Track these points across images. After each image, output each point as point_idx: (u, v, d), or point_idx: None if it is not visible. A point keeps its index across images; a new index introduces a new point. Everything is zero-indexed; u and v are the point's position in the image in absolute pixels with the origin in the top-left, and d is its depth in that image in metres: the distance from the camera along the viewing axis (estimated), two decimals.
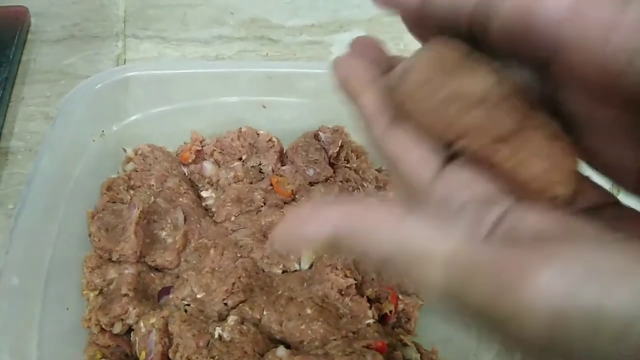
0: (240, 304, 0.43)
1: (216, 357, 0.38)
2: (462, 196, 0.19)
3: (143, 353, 0.39)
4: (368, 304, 0.43)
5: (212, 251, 0.45)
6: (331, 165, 0.53)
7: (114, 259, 0.44)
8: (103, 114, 0.50)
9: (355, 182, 0.52)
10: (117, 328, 0.41)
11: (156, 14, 0.71)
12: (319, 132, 0.54)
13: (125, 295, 0.42)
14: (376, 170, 0.53)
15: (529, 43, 0.17)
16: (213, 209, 0.51)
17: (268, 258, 0.46)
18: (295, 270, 0.46)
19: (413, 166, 0.20)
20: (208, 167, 0.53)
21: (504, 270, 0.16)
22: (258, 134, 0.54)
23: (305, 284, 0.44)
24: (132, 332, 0.41)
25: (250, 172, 0.52)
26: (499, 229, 0.18)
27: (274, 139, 0.53)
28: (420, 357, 0.42)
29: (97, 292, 0.43)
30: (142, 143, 0.52)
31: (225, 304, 0.43)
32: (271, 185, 0.51)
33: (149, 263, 0.46)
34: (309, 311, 0.42)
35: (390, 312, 0.45)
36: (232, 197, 0.50)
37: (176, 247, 0.46)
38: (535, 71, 0.19)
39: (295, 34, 0.70)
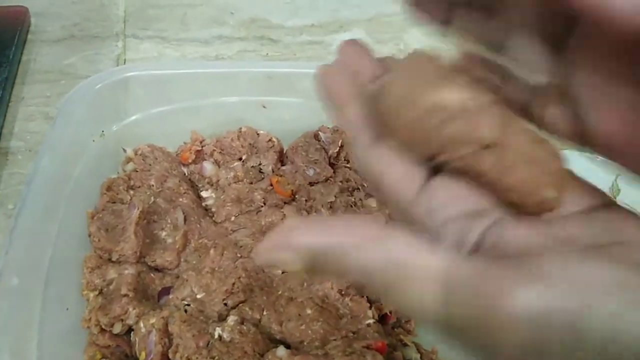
0: (240, 304, 0.43)
1: (216, 358, 0.38)
2: (446, 211, 0.19)
3: (143, 353, 0.39)
4: (368, 304, 0.43)
5: (212, 251, 0.45)
6: (331, 165, 0.53)
7: (113, 259, 0.44)
8: (103, 114, 0.50)
9: (355, 182, 0.51)
10: (117, 328, 0.41)
11: (156, 14, 0.71)
12: (319, 132, 0.54)
13: (125, 295, 0.42)
14: None
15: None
16: (213, 209, 0.51)
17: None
18: None
19: (397, 182, 0.20)
20: (208, 167, 0.53)
21: (485, 288, 0.15)
22: (258, 134, 0.54)
23: (305, 284, 0.44)
24: (132, 333, 0.41)
25: (250, 172, 0.52)
26: (483, 244, 0.17)
27: (274, 139, 0.53)
28: (421, 357, 0.42)
29: (97, 293, 0.43)
30: (142, 143, 0.52)
31: (225, 304, 0.43)
32: (271, 185, 0.51)
33: (148, 263, 0.46)
34: (309, 311, 0.42)
35: (391, 312, 0.45)
36: (232, 197, 0.50)
37: (176, 248, 0.46)
38: (547, 47, 0.18)
39: (295, 34, 0.70)
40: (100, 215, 0.46)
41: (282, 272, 0.46)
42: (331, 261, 0.18)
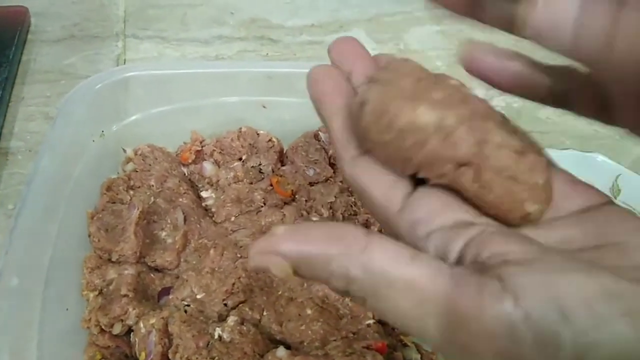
0: (240, 305, 0.43)
1: (216, 358, 0.38)
2: (429, 224, 0.19)
3: (143, 354, 0.39)
4: None
5: (212, 251, 0.45)
6: (331, 165, 0.53)
7: (113, 259, 0.44)
8: (103, 114, 0.50)
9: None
10: (117, 329, 0.41)
11: (156, 14, 0.71)
12: (319, 132, 0.54)
13: (125, 295, 0.42)
14: None
15: None
16: (213, 209, 0.50)
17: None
18: None
19: (381, 195, 0.20)
20: (208, 167, 0.53)
21: (461, 300, 0.16)
22: (258, 134, 0.54)
23: (305, 285, 0.44)
24: (131, 333, 0.41)
25: (250, 172, 0.52)
26: (465, 256, 0.17)
27: (274, 139, 0.53)
28: (421, 358, 0.42)
29: (96, 293, 0.43)
30: (142, 143, 0.52)
31: (225, 305, 0.43)
32: (271, 185, 0.51)
33: (148, 263, 0.46)
34: (309, 312, 0.42)
35: None
36: (232, 198, 0.50)
37: (176, 248, 0.46)
38: None
39: (295, 34, 0.70)
40: (100, 216, 0.46)
41: None
42: (315, 268, 0.18)
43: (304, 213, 0.49)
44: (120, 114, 0.51)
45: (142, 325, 0.40)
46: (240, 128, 0.54)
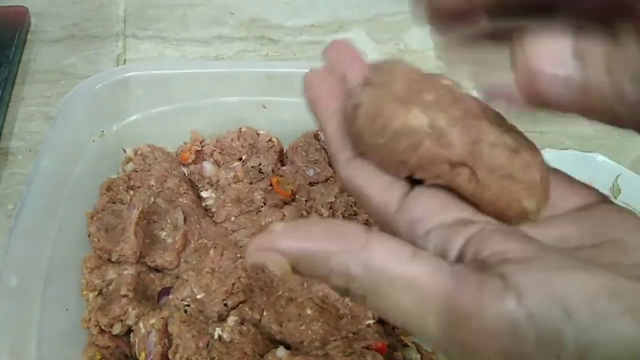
0: (240, 305, 0.43)
1: (216, 358, 0.38)
2: (428, 222, 0.19)
3: (142, 354, 0.39)
4: None
5: (212, 251, 0.45)
6: (331, 165, 0.53)
7: (113, 259, 0.44)
8: (103, 114, 0.50)
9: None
10: (117, 329, 0.41)
11: (156, 14, 0.71)
12: (319, 132, 0.54)
13: (125, 295, 0.42)
14: None
15: None
16: (213, 209, 0.50)
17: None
18: None
19: (378, 196, 0.20)
20: (208, 167, 0.52)
21: (462, 299, 0.16)
22: (258, 134, 0.54)
23: (305, 284, 0.44)
24: (131, 333, 0.41)
25: (250, 172, 0.52)
26: (465, 254, 0.17)
27: (274, 139, 0.53)
28: (421, 358, 0.42)
29: (96, 293, 0.43)
30: (142, 143, 0.52)
31: (225, 305, 0.43)
32: (271, 185, 0.51)
33: (148, 263, 0.46)
34: (309, 312, 0.42)
35: None
36: (232, 198, 0.50)
37: (176, 248, 0.46)
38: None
39: (295, 34, 0.70)
40: (100, 216, 0.46)
41: None
42: (314, 266, 0.18)
43: (304, 213, 0.49)
44: (120, 114, 0.51)
45: (141, 325, 0.40)
46: (240, 128, 0.54)
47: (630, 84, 0.15)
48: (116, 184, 0.49)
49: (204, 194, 0.52)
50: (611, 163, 0.52)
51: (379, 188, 0.20)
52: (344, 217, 0.49)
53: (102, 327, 0.41)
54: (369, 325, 0.42)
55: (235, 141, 0.53)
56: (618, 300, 0.14)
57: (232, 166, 0.52)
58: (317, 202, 0.50)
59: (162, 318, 0.40)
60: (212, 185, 0.52)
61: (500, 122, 0.20)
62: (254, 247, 0.18)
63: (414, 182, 0.20)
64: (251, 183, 0.52)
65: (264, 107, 0.54)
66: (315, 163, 0.52)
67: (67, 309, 0.41)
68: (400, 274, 0.17)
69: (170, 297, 0.43)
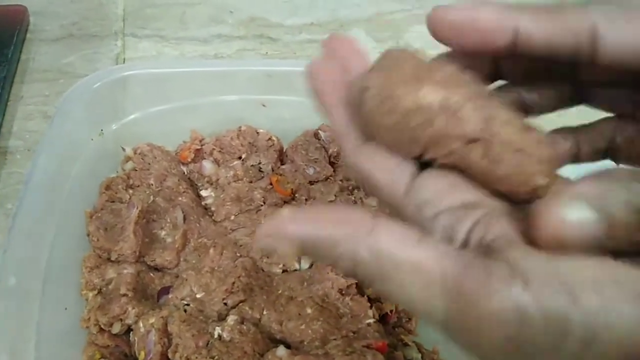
0: (240, 304, 0.42)
1: (216, 357, 0.38)
2: (436, 205, 0.19)
3: (142, 353, 0.39)
4: (368, 304, 0.43)
5: (211, 251, 0.45)
6: (331, 164, 0.53)
7: (112, 258, 0.44)
8: (102, 112, 0.50)
9: (356, 181, 0.51)
10: (116, 328, 0.41)
11: (155, 12, 0.71)
12: (319, 131, 0.54)
13: (124, 295, 0.42)
14: None
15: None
16: (212, 208, 0.50)
17: (268, 257, 0.46)
18: (295, 270, 0.46)
19: (386, 179, 0.20)
20: (207, 166, 0.52)
21: (467, 284, 0.16)
22: (258, 133, 0.53)
23: (305, 284, 0.44)
24: (131, 332, 0.41)
25: (250, 171, 0.52)
26: (471, 238, 0.18)
27: (273, 138, 0.53)
28: (421, 357, 0.42)
29: (96, 292, 0.43)
30: (141, 142, 0.52)
31: (225, 304, 0.43)
32: (271, 184, 0.51)
33: (148, 263, 0.45)
34: (309, 311, 0.42)
35: (391, 311, 0.44)
36: (231, 196, 0.50)
37: (175, 247, 0.46)
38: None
39: (295, 33, 0.70)
40: (99, 215, 0.46)
41: (282, 272, 0.46)
42: (322, 251, 0.18)
43: None
44: (119, 113, 0.51)
45: (141, 324, 0.40)
46: (240, 127, 0.53)
47: None
48: (115, 183, 0.49)
49: (203, 193, 0.52)
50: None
51: (387, 172, 0.20)
52: None
53: (102, 327, 0.41)
54: (369, 325, 0.42)
55: (235, 140, 0.53)
56: (626, 286, 0.15)
57: (231, 165, 0.52)
58: (317, 201, 0.50)
59: (162, 317, 0.40)
60: (211, 184, 0.52)
61: (508, 105, 0.20)
62: (262, 233, 0.19)
63: (422, 166, 0.20)
64: (251, 182, 0.51)
65: (264, 105, 0.54)
66: (315, 162, 0.52)
67: (66, 309, 0.41)
68: (407, 258, 0.17)
69: (170, 296, 0.43)
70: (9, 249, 0.38)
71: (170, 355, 0.38)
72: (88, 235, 0.45)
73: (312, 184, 0.51)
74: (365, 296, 0.44)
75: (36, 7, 0.68)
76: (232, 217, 0.49)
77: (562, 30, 0.19)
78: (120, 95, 0.51)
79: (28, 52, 0.64)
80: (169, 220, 0.47)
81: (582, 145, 0.22)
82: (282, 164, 0.53)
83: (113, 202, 0.48)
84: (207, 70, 0.53)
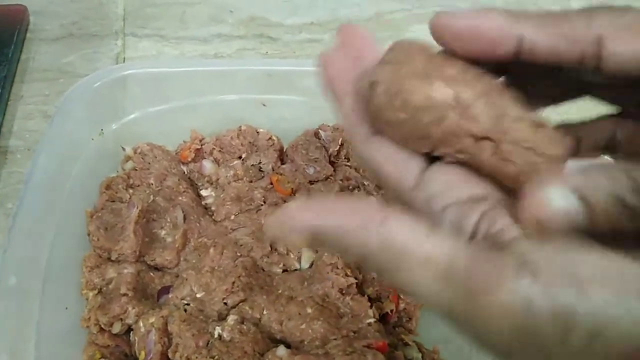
0: (240, 304, 0.42)
1: (216, 357, 0.38)
2: (445, 198, 0.19)
3: (142, 353, 0.39)
4: (369, 303, 0.43)
5: (211, 250, 0.45)
6: (331, 163, 0.53)
7: (113, 258, 0.44)
8: (102, 112, 0.50)
9: (356, 181, 0.51)
10: (117, 328, 0.41)
11: (155, 12, 0.71)
12: (319, 131, 0.53)
13: (125, 294, 0.42)
14: None
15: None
16: (213, 208, 0.50)
17: (268, 257, 0.46)
18: (296, 270, 0.46)
19: (395, 172, 0.20)
20: (207, 165, 0.52)
21: (476, 276, 0.16)
22: (258, 133, 0.53)
23: (305, 283, 0.44)
24: (131, 332, 0.41)
25: (250, 171, 0.52)
26: (479, 230, 0.18)
27: (273, 138, 0.53)
28: (422, 357, 0.42)
29: (96, 292, 0.43)
30: (141, 141, 0.52)
31: (225, 304, 0.43)
32: (271, 183, 0.51)
33: (148, 262, 0.45)
34: (309, 310, 0.42)
35: (391, 311, 0.44)
36: (231, 196, 0.50)
37: (175, 246, 0.46)
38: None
39: (295, 32, 0.70)
40: (100, 214, 0.46)
41: (282, 271, 0.46)
42: (332, 241, 0.18)
43: None
44: (119, 113, 0.51)
45: (141, 324, 0.40)
46: (240, 126, 0.53)
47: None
48: (115, 182, 0.49)
49: (203, 193, 0.52)
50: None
51: (397, 165, 0.20)
52: None
53: (102, 326, 0.41)
54: (369, 324, 0.42)
55: (235, 139, 0.53)
56: (633, 281, 0.15)
57: (231, 164, 0.52)
58: None
59: (162, 317, 0.40)
60: (211, 183, 0.52)
61: (518, 99, 0.20)
62: (272, 222, 0.19)
63: (432, 159, 0.20)
64: (251, 181, 0.51)
65: (264, 105, 0.54)
66: (316, 161, 0.52)
67: (66, 308, 0.41)
68: (417, 250, 0.17)
69: (170, 296, 0.43)
70: (9, 248, 0.38)
71: (170, 355, 0.38)
72: (88, 234, 0.45)
73: (313, 184, 0.51)
74: (366, 296, 0.44)
75: (36, 6, 0.68)
76: (232, 217, 0.49)
77: (567, 39, 0.19)
78: (121, 94, 0.51)
79: (28, 51, 0.64)
80: (169, 220, 0.47)
81: (582, 141, 0.22)
82: (282, 164, 0.53)
83: (113, 201, 0.48)
84: (207, 70, 0.53)
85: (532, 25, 0.19)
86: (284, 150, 0.54)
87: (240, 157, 0.53)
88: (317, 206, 0.19)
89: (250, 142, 0.53)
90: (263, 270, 0.46)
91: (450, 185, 0.19)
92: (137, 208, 0.45)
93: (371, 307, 0.43)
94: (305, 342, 0.41)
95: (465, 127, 0.19)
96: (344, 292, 0.43)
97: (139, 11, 0.71)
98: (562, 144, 0.19)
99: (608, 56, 0.18)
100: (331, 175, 0.52)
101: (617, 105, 0.21)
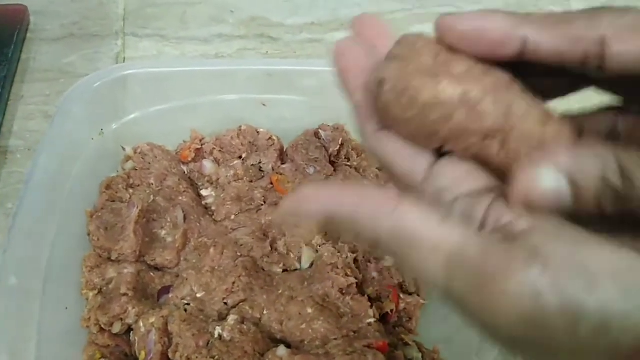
0: (241, 303, 0.42)
1: (216, 357, 0.38)
2: (454, 190, 0.19)
3: (142, 353, 0.39)
4: (369, 303, 0.43)
5: (212, 250, 0.45)
6: (332, 163, 0.53)
7: (113, 258, 0.44)
8: (102, 112, 0.50)
9: (356, 181, 0.51)
10: (117, 328, 0.41)
11: (155, 12, 0.71)
12: (320, 130, 0.53)
13: (125, 294, 0.42)
14: (377, 168, 0.53)
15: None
16: (213, 208, 0.50)
17: (268, 257, 0.46)
18: (296, 269, 0.46)
19: (405, 165, 0.21)
20: (208, 165, 0.52)
21: (485, 265, 0.16)
22: (258, 132, 0.53)
23: (305, 283, 0.44)
24: (131, 332, 0.41)
25: (250, 171, 0.52)
26: (488, 222, 0.18)
27: (274, 137, 0.53)
28: (422, 357, 0.42)
29: (96, 292, 0.43)
30: (141, 141, 0.52)
31: (225, 304, 0.43)
32: (271, 183, 0.51)
33: (148, 262, 0.45)
34: (309, 310, 0.42)
35: (392, 311, 0.44)
36: (232, 196, 0.50)
37: (176, 246, 0.46)
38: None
39: (295, 32, 0.70)
40: (100, 214, 0.46)
41: (283, 271, 0.46)
42: (345, 225, 0.19)
43: None
44: (119, 112, 0.51)
45: (141, 324, 0.40)
46: (240, 126, 0.53)
47: None
48: (115, 182, 0.49)
49: (203, 193, 0.52)
50: None
51: (406, 159, 0.21)
52: None
53: (102, 326, 0.41)
54: (369, 324, 0.42)
55: (235, 139, 0.53)
56: None
57: (232, 164, 0.52)
58: None
59: (162, 317, 0.40)
60: (212, 183, 0.52)
61: (526, 92, 0.20)
62: (284, 207, 0.19)
63: (440, 153, 0.20)
64: (251, 181, 0.51)
65: (264, 105, 0.54)
66: (316, 161, 0.52)
67: (66, 308, 0.41)
68: (428, 236, 0.17)
69: (170, 295, 0.43)
70: (9, 248, 0.38)
71: (170, 355, 0.38)
72: (88, 234, 0.45)
73: None
74: (366, 296, 0.44)
75: (37, 6, 0.68)
76: (233, 217, 0.49)
77: (570, 40, 0.19)
78: (121, 94, 0.51)
79: (28, 51, 0.64)
80: (169, 220, 0.47)
81: (584, 131, 0.22)
82: (282, 164, 0.53)
83: (113, 201, 0.48)
84: (208, 70, 0.53)
85: (535, 27, 0.19)
86: (284, 150, 0.54)
87: (240, 157, 0.53)
88: (331, 191, 0.19)
89: (250, 142, 0.53)
90: (263, 270, 0.46)
91: (458, 179, 0.20)
92: (137, 208, 0.45)
93: (371, 307, 0.43)
94: (306, 342, 0.41)
95: (474, 125, 0.19)
96: (344, 292, 0.43)
97: (140, 11, 0.71)
98: (567, 139, 0.19)
99: (612, 56, 0.18)
100: (331, 175, 0.52)
101: (620, 98, 0.21)
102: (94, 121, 0.49)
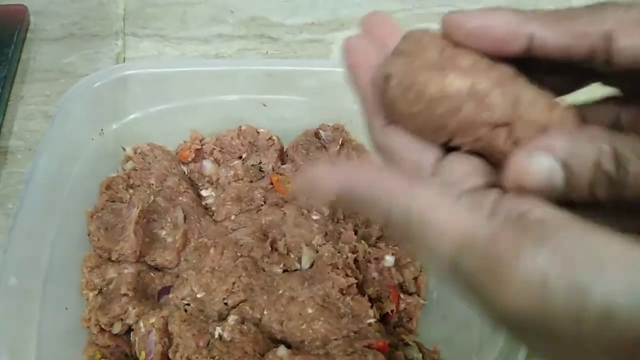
0: (241, 304, 0.42)
1: (216, 357, 0.38)
2: (461, 186, 0.19)
3: (143, 353, 0.39)
4: (369, 304, 0.43)
5: (212, 250, 0.45)
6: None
7: (113, 258, 0.44)
8: (102, 112, 0.50)
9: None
10: (117, 328, 0.41)
11: (155, 12, 0.71)
12: (320, 131, 0.53)
13: (125, 295, 0.42)
14: None
15: None
16: (213, 208, 0.50)
17: (268, 257, 0.46)
18: (296, 270, 0.46)
19: (412, 161, 0.21)
20: (208, 165, 0.52)
21: (495, 248, 0.16)
22: (258, 133, 0.53)
23: (306, 284, 0.44)
24: (131, 332, 0.41)
25: (251, 171, 0.52)
26: (498, 211, 0.18)
27: (274, 138, 0.53)
28: (422, 357, 0.42)
29: (96, 292, 0.43)
30: (141, 142, 0.52)
31: (226, 304, 0.43)
32: (271, 183, 0.51)
33: (148, 262, 0.45)
34: (309, 311, 0.42)
35: (392, 311, 0.44)
36: (232, 196, 0.50)
37: (176, 247, 0.46)
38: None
39: (296, 32, 0.70)
40: (100, 214, 0.46)
41: (283, 272, 0.46)
42: (358, 202, 0.19)
43: (305, 212, 0.49)
44: (119, 113, 0.51)
45: (142, 324, 0.40)
46: (240, 126, 0.53)
47: None
48: (116, 182, 0.49)
49: (204, 193, 0.52)
50: None
51: (414, 152, 0.21)
52: (344, 215, 0.49)
53: (102, 327, 0.41)
54: (370, 324, 0.42)
55: (235, 139, 0.53)
56: None
57: (232, 165, 0.52)
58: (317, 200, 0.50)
59: (162, 317, 0.40)
60: (212, 183, 0.52)
61: (533, 84, 0.20)
62: (300, 181, 0.20)
63: (448, 149, 0.20)
64: (251, 181, 0.51)
65: (264, 105, 0.54)
66: (316, 161, 0.52)
67: (66, 309, 0.41)
68: (439, 218, 0.18)
69: (171, 296, 0.43)
70: (9, 248, 0.38)
71: (170, 355, 0.38)
72: (89, 235, 0.45)
73: None
74: (366, 296, 0.44)
75: (37, 6, 0.68)
76: (233, 217, 0.49)
77: (576, 36, 0.19)
78: (121, 94, 0.51)
79: (29, 51, 0.64)
80: (169, 220, 0.47)
81: (588, 122, 0.22)
82: (282, 164, 0.53)
83: (113, 201, 0.48)
84: (208, 70, 0.52)
85: (541, 24, 0.19)
86: (284, 150, 0.54)
87: (240, 157, 0.53)
88: (347, 168, 0.20)
89: (250, 142, 0.53)
90: (263, 270, 0.46)
91: (466, 173, 0.20)
92: (138, 208, 0.45)
93: (372, 307, 0.43)
94: (306, 343, 0.41)
95: (482, 117, 0.19)
96: (344, 292, 0.43)
97: (140, 11, 0.71)
98: (574, 123, 0.19)
99: (619, 50, 0.18)
100: None
101: (627, 91, 0.21)
102: (94, 121, 0.49)
